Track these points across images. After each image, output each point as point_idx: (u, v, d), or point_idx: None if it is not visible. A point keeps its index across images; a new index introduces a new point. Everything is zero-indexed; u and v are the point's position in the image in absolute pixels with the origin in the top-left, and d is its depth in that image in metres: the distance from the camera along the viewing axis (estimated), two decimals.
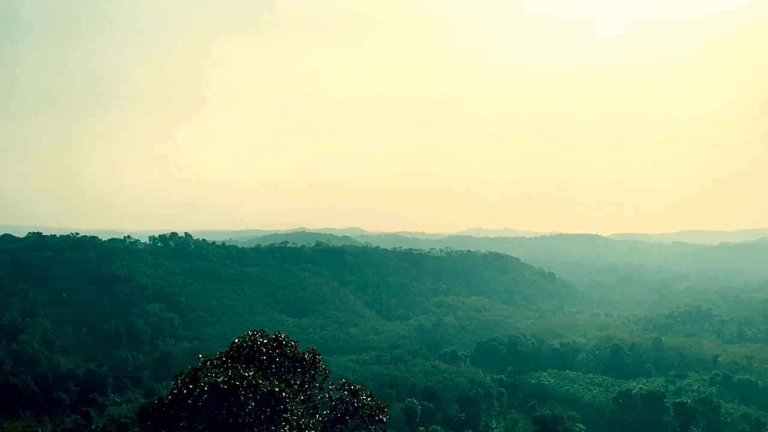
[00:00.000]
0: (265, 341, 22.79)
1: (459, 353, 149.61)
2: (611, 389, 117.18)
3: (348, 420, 21.23)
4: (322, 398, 22.54)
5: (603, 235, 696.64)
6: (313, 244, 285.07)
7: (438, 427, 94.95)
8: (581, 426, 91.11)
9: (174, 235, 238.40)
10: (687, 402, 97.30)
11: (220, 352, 23.24)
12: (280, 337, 22.97)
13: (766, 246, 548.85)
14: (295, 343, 23.00)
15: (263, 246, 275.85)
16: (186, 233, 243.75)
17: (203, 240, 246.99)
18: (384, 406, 21.32)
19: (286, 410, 19.85)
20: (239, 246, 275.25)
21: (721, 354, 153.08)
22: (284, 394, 19.65)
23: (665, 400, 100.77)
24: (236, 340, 23.41)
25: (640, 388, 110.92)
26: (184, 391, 20.21)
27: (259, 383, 20.01)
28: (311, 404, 22.34)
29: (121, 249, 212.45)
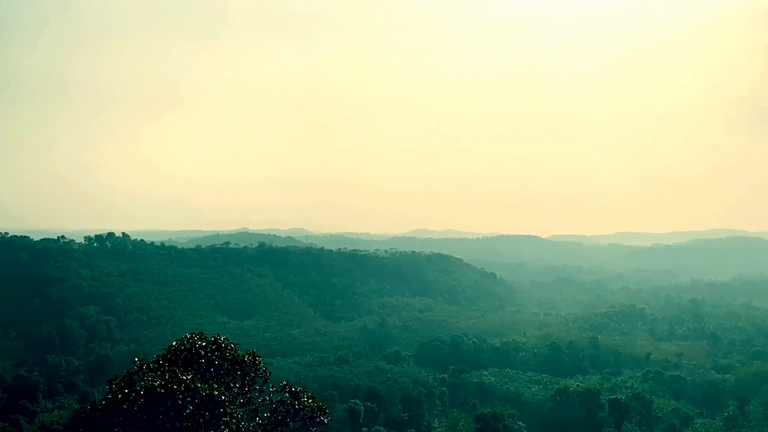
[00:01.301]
0: (204, 344, 22.38)
1: (403, 353, 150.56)
2: (550, 387, 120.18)
3: (289, 422, 21.10)
4: (262, 401, 22.31)
5: (542, 237, 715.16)
6: (255, 245, 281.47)
7: (381, 428, 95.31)
8: (521, 423, 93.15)
9: (111, 235, 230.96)
10: (621, 398, 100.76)
11: (157, 356, 22.67)
12: (220, 339, 22.61)
13: (695, 247, 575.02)
14: (235, 345, 22.69)
15: (204, 247, 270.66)
16: (123, 233, 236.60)
17: (141, 240, 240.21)
18: (325, 408, 21.29)
19: (225, 414, 19.55)
20: (179, 247, 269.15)
21: (654, 351, 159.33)
22: (223, 397, 19.35)
23: (601, 396, 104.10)
24: (174, 343, 22.88)
25: (578, 385, 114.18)
26: (119, 396, 19.63)
27: (198, 387, 19.64)
28: (251, 407, 22.08)
29: (55, 249, 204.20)
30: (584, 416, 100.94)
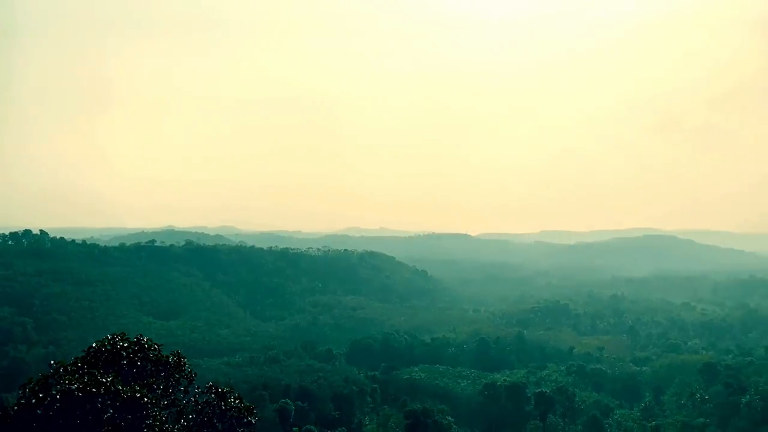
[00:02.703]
0: (126, 345, 21.48)
1: (334, 352, 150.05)
2: (478, 381, 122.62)
3: (215, 423, 20.56)
4: (187, 402, 21.63)
5: (472, 235, 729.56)
6: (182, 243, 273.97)
7: (312, 427, 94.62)
8: (450, 418, 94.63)
9: (27, 232, 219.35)
10: (546, 392, 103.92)
11: (76, 358, 21.59)
12: (143, 340, 21.76)
13: (615, 245, 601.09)
14: (159, 346, 21.89)
15: (128, 245, 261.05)
16: (41, 231, 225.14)
17: (61, 238, 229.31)
18: (253, 408, 20.87)
19: (148, 416, 18.82)
20: (102, 245, 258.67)
21: (577, 346, 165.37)
22: (146, 399, 18.63)
23: (527, 390, 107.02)
24: (94, 344, 21.86)
25: (505, 379, 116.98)
26: (33, 401, 18.56)
27: (119, 389, 18.82)
28: (175, 409, 21.37)
29: None
30: (511, 409, 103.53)
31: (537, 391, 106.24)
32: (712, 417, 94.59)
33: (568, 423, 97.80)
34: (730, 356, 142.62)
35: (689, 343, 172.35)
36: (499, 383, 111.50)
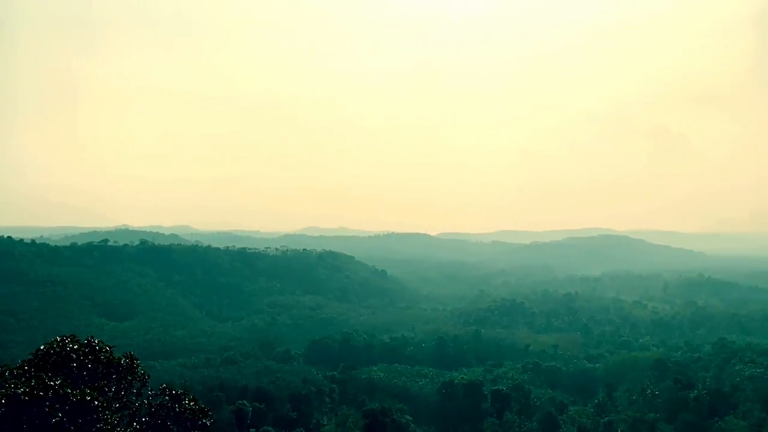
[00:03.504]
0: (76, 347, 20.81)
1: (293, 352, 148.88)
2: (436, 380, 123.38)
3: (170, 425, 20.09)
4: (140, 405, 21.10)
5: (431, 234, 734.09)
6: (137, 243, 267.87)
7: (269, 428, 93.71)
8: (408, 417, 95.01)
9: None
10: (502, 389, 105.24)
11: (23, 361, 20.84)
12: (94, 342, 21.12)
13: (570, 245, 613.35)
14: (110, 348, 21.29)
15: (80, 244, 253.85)
16: None
17: (8, 237, 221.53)
18: (207, 410, 20.49)
19: (99, 420, 18.28)
20: (52, 244, 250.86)
21: (532, 343, 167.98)
22: (96, 402, 18.08)
23: (483, 388, 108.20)
24: (42, 347, 21.12)
25: (462, 378, 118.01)
26: None
27: (68, 392, 18.22)
28: (127, 412, 20.83)
29: None
30: (468, 407, 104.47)
31: (494, 388, 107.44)
32: (662, 412, 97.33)
33: (524, 420, 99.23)
34: (679, 353, 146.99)
35: (640, 341, 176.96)
36: (456, 381, 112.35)
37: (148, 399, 21.24)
